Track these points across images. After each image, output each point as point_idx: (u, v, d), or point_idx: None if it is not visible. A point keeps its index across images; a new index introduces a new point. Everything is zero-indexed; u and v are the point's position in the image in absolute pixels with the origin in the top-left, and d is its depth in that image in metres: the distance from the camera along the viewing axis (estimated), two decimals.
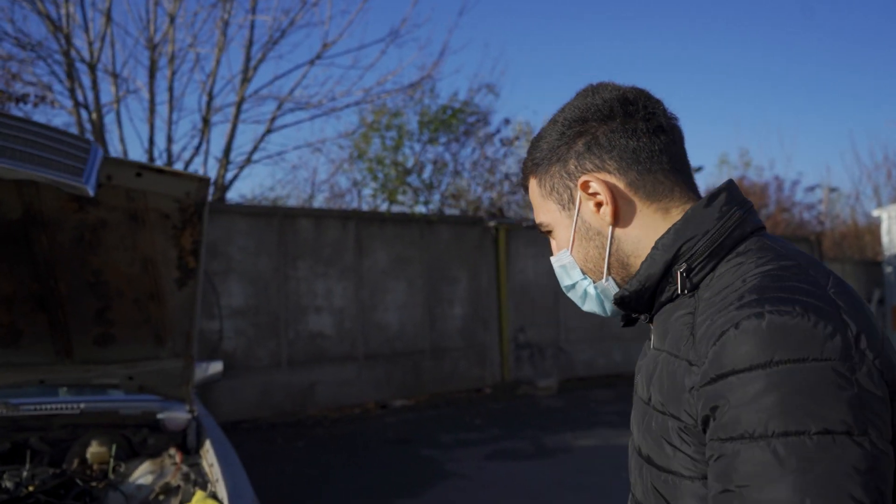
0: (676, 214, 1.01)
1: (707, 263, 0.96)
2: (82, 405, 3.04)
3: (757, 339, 0.81)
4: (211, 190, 9.87)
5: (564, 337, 11.44)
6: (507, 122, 11.78)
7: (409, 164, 10.33)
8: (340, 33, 9.00)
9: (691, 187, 1.05)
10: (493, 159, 11.74)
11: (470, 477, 5.85)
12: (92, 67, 8.05)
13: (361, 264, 9.18)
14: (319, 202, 11.71)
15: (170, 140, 8.77)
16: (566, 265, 1.11)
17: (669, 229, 0.99)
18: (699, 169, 20.02)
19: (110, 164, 2.38)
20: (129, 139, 33.53)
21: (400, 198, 10.29)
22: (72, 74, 7.99)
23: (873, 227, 19.96)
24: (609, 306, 1.10)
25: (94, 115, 8.10)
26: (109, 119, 14.51)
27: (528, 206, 13.69)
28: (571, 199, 1.07)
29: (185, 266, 2.82)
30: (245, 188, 31.26)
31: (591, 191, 1.04)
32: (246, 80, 8.99)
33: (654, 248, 1.00)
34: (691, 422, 0.87)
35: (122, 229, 2.66)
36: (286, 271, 8.52)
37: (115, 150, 8.75)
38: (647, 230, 1.02)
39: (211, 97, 8.92)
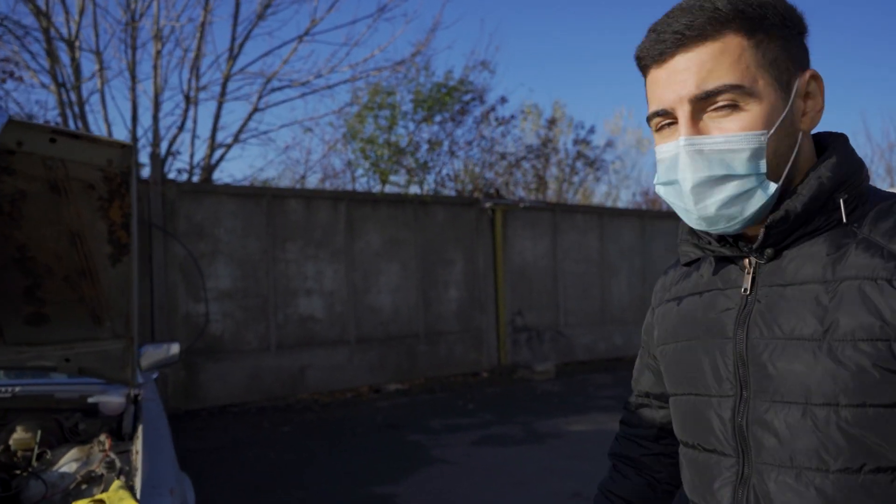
0: (813, 144, 1.01)
1: (860, 198, 0.96)
2: (17, 388, 2.87)
3: None
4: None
5: (564, 321, 11.24)
6: (503, 100, 11.51)
7: (404, 143, 10.10)
8: (329, 8, 8.67)
9: None
10: (491, 138, 11.50)
11: (455, 463, 5.68)
12: (70, 45, 7.87)
13: (353, 246, 9.00)
14: (313, 183, 11.52)
15: (155, 119, 8.58)
16: (747, 151, 0.93)
17: (833, 156, 0.97)
18: None
19: (19, 127, 2.20)
20: (118, 120, 33.23)
21: (394, 178, 10.07)
22: (52, 52, 7.81)
23: None
24: (762, 216, 0.97)
25: (75, 94, 7.93)
26: (95, 99, 14.30)
27: (527, 186, 13.46)
28: (788, 86, 0.96)
29: (118, 241, 2.64)
30: (237, 169, 30.99)
31: (810, 88, 0.98)
32: (232, 57, 8.79)
33: (819, 170, 0.96)
34: None
35: (43, 201, 2.47)
36: (275, 253, 8.35)
37: (99, 129, 8.58)
38: (810, 149, 1.00)
39: (195, 75, 8.71)
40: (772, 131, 0.93)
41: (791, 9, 0.98)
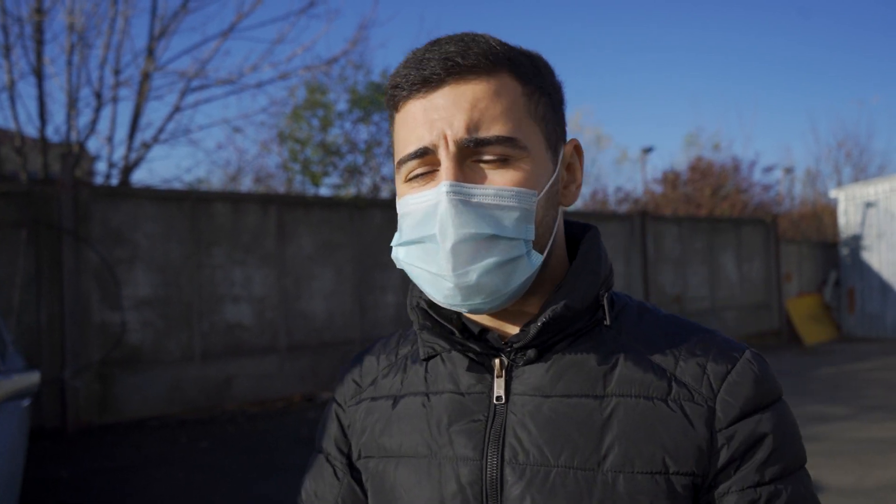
0: (560, 226, 0.86)
1: (614, 299, 0.88)
2: None
3: (767, 376, 0.81)
4: (114, 172, 9.30)
5: None
6: None
7: (340, 143, 9.81)
8: (255, 3, 8.30)
9: None
10: None
11: None
12: None
13: (284, 251, 8.69)
14: (247, 186, 11.16)
15: (69, 118, 8.16)
16: (517, 210, 0.77)
17: (598, 248, 0.86)
18: (649, 149, 19.73)
19: None
20: (33, 119, 31.98)
21: (329, 181, 9.79)
22: None
23: (832, 209, 19.87)
24: (517, 290, 0.79)
25: None
26: (5, 98, 13.65)
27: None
28: (556, 149, 0.83)
29: None
30: (166, 170, 30.25)
31: (572, 159, 0.86)
32: (150, 53, 8.39)
33: (589, 265, 0.84)
34: (703, 473, 0.76)
35: None
36: (200, 258, 8.01)
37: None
38: (561, 232, 0.86)
39: (113, 72, 8.31)
40: (541, 194, 0.79)
41: (556, 77, 0.87)
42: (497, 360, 0.83)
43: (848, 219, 15.84)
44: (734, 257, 14.43)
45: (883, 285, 15.11)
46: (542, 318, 0.79)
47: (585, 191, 20.63)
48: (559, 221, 0.84)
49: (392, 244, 0.85)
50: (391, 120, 0.86)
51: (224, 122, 11.68)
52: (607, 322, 0.82)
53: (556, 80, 0.86)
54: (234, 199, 8.43)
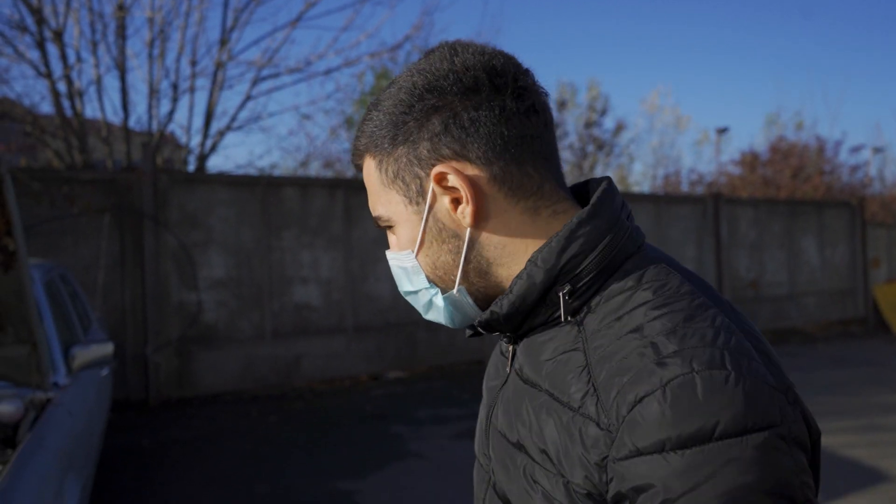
0: (547, 216, 0.86)
1: (593, 284, 0.82)
2: None
3: (695, 408, 0.68)
4: (191, 158, 9.74)
5: None
6: None
7: None
8: None
9: (560, 181, 0.89)
10: None
11: (428, 458, 5.61)
12: (58, 35, 7.92)
13: (351, 234, 8.93)
14: (316, 171, 11.46)
15: (150, 108, 8.61)
16: (408, 269, 0.91)
17: (550, 241, 0.83)
18: (724, 130, 19.00)
19: None
20: (119, 111, 33.46)
21: None
22: (42, 45, 7.87)
23: None
24: (459, 318, 0.94)
25: (65, 85, 8.00)
26: (93, 91, 14.36)
27: None
28: (421, 192, 0.86)
29: (5, 248, 2.60)
30: (241, 157, 31.09)
31: (447, 184, 0.84)
32: (224, 44, 8.75)
33: (530, 263, 0.83)
34: (587, 489, 0.74)
35: None
36: (270, 242, 8.34)
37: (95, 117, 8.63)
38: (513, 234, 0.86)
39: (190, 62, 8.70)
40: (416, 249, 0.89)
41: (409, 106, 0.84)
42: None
43: None
44: (816, 241, 13.85)
45: None
46: (476, 323, 0.91)
47: (661, 173, 20.14)
48: (475, 244, 0.86)
49: None
50: None
51: (294, 109, 12.05)
52: (562, 319, 0.83)
53: (411, 115, 0.85)
54: (302, 184, 8.72)
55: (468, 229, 0.86)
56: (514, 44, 29.43)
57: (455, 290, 0.90)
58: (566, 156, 14.00)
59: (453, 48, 0.86)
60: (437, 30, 18.59)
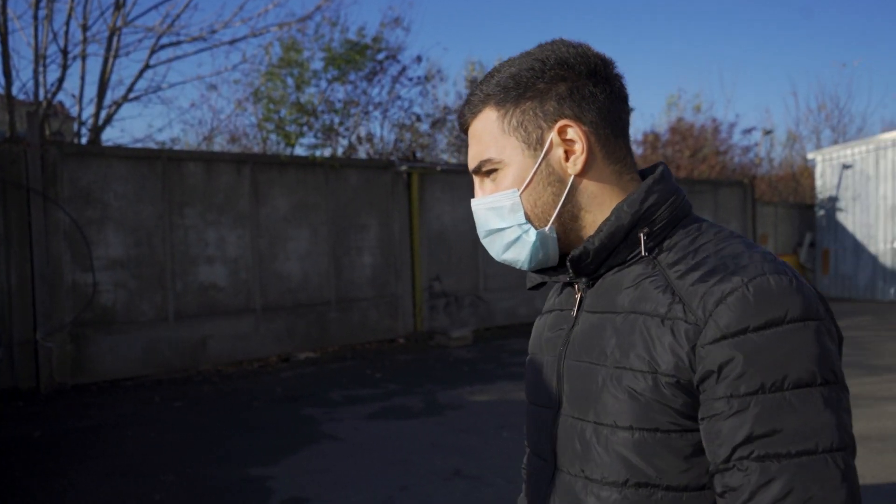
0: (628, 180, 1.07)
1: (665, 229, 1.03)
2: None
3: (766, 299, 0.90)
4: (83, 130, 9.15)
5: (483, 285, 11.14)
6: (419, 59, 11.10)
7: (316, 102, 9.67)
8: None
9: (633, 158, 1.12)
10: (407, 99, 11.14)
11: (342, 439, 5.52)
12: None
13: (259, 211, 8.64)
14: (222, 146, 11.00)
15: (35, 75, 7.96)
16: (506, 207, 1.07)
17: (632, 194, 1.04)
18: (632, 109, 19.57)
19: None
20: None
21: (304, 141, 9.67)
22: None
23: (810, 171, 19.98)
24: (540, 256, 1.09)
25: None
26: None
27: (448, 149, 13.19)
28: (540, 141, 1.05)
29: None
30: (138, 129, 29.70)
31: (567, 137, 1.04)
32: (118, 8, 8.17)
33: (617, 209, 1.03)
34: (676, 377, 0.92)
35: None
36: (172, 219, 7.94)
37: None
38: (604, 188, 1.06)
39: (81, 27, 8.08)
40: (523, 187, 1.06)
41: (542, 76, 1.05)
42: (576, 286, 1.12)
43: (825, 181, 15.96)
44: (712, 218, 14.41)
45: (856, 246, 15.32)
46: (569, 259, 1.05)
47: None
48: (578, 187, 1.06)
49: None
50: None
51: (198, 80, 11.43)
52: (643, 254, 1.02)
53: (542, 79, 1.05)
54: (207, 159, 8.34)
55: (572, 177, 1.05)
56: (426, 17, 29.11)
57: (547, 228, 1.06)
58: None
59: (572, 43, 1.07)
60: (349, 1, 18.17)
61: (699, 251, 0.99)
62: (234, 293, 8.45)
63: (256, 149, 10.69)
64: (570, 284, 1.14)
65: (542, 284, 1.16)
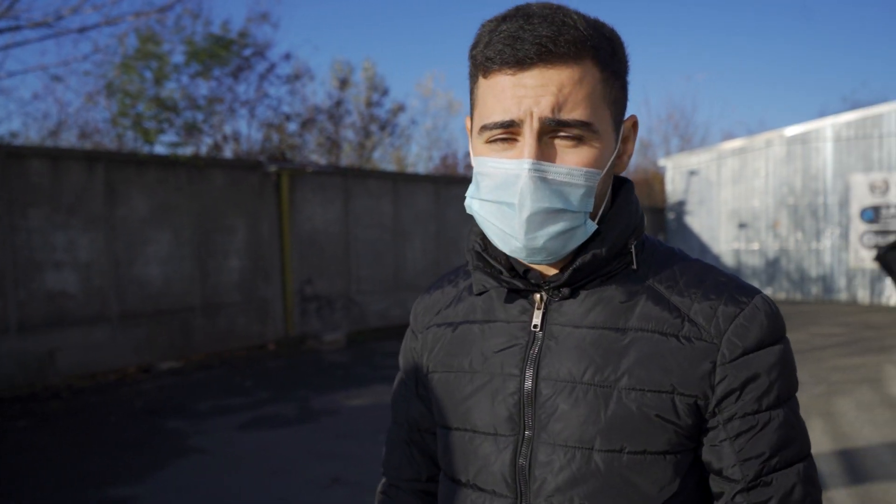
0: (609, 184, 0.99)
1: (644, 247, 0.99)
2: None
3: (772, 319, 0.94)
4: None
5: (356, 288, 11.02)
6: (287, 57, 10.82)
7: (177, 98, 9.16)
8: None
9: None
10: (276, 98, 10.81)
11: (212, 453, 5.24)
12: None
13: (114, 213, 8.05)
14: (71, 142, 10.18)
15: None
16: (583, 188, 0.90)
17: (626, 201, 0.98)
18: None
19: None
20: None
21: (165, 138, 9.14)
22: None
23: (661, 176, 21.37)
24: (569, 251, 0.94)
25: None
26: None
27: (316, 150, 12.95)
28: (619, 127, 0.94)
29: None
30: None
31: (630, 133, 0.97)
32: None
33: (621, 218, 0.97)
34: (695, 396, 0.90)
35: None
36: (13, 221, 7.23)
37: None
38: (603, 193, 0.95)
39: None
40: (604, 172, 0.91)
41: (625, 53, 0.95)
42: (537, 296, 0.98)
43: (674, 186, 17.13)
44: None
45: (702, 247, 16.55)
46: (574, 265, 0.94)
47: (436, 155, 20.81)
48: (607, 188, 0.97)
49: (467, 195, 0.96)
50: (474, 80, 0.94)
51: (41, 70, 10.49)
52: (634, 267, 0.96)
53: (625, 55, 0.95)
54: (53, 156, 7.67)
55: (612, 175, 0.97)
56: (294, 15, 28.36)
57: (595, 221, 0.94)
58: (349, 135, 13.87)
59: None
60: None
61: (675, 266, 0.98)
62: (87, 300, 7.83)
63: (111, 146, 9.96)
64: (521, 293, 1.00)
65: (485, 292, 1.03)
